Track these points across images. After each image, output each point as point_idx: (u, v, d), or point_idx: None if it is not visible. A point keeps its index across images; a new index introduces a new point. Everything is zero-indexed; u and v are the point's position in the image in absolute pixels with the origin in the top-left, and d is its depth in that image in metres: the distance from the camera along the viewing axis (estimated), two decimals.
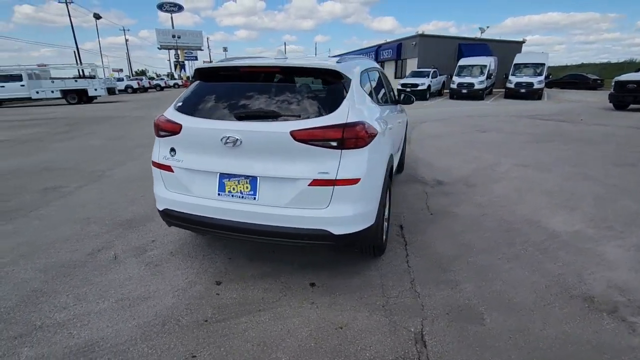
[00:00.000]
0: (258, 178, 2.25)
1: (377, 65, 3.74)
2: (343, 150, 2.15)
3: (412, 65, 27.09)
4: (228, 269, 2.76)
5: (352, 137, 2.15)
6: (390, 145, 3.08)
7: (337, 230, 2.22)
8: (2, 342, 2.00)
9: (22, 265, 2.82)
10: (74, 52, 43.71)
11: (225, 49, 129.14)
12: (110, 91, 23.05)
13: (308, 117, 2.19)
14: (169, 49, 75.47)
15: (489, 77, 20.67)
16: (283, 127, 2.14)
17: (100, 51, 56.83)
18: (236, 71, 2.50)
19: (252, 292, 2.47)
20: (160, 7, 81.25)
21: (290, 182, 2.19)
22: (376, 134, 2.35)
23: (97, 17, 45.05)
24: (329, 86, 2.36)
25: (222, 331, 2.09)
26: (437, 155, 6.52)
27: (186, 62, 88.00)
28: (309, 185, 2.17)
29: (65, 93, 21.17)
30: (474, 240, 3.20)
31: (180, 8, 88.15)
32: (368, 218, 2.34)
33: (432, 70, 21.75)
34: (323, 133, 2.11)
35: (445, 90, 23.68)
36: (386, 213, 2.90)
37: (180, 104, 2.50)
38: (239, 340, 2.02)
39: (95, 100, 22.74)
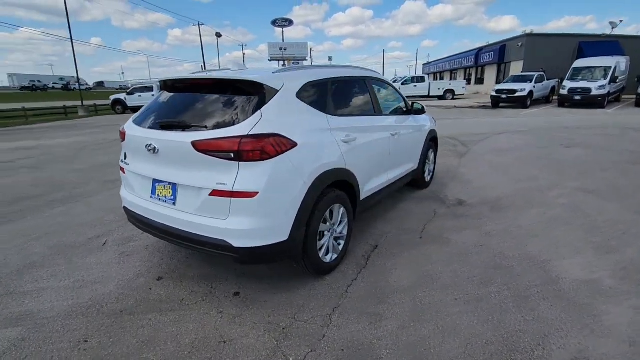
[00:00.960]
0: (177, 185, 2.38)
1: (364, 75, 3.47)
2: (241, 163, 2.13)
3: (516, 68, 24.17)
4: (178, 267, 2.95)
5: (251, 149, 2.11)
6: (357, 158, 2.89)
7: (237, 243, 2.19)
8: None
9: (42, 241, 3.49)
10: (201, 66, 51.28)
11: (330, 59, 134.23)
12: None
13: (215, 128, 2.22)
14: (278, 60, 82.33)
15: (613, 80, 17.10)
16: (187, 137, 2.22)
17: (219, 64, 64.89)
18: (176, 83, 2.68)
19: (179, 292, 2.60)
20: (274, 23, 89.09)
21: (197, 191, 2.26)
22: (290, 147, 2.25)
23: (218, 35, 51.88)
24: (246, 97, 2.35)
25: (125, 323, 2.26)
26: (484, 172, 5.74)
27: None
28: (209, 195, 2.20)
29: None
30: (443, 274, 2.76)
31: (290, 22, 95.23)
32: (275, 233, 2.25)
33: (536, 74, 19.00)
34: (220, 144, 2.12)
35: (554, 97, 20.44)
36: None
37: (136, 114, 2.79)
38: (130, 334, 2.16)
39: None
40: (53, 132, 12.72)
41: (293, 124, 2.38)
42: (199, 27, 52.39)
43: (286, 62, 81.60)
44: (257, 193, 2.13)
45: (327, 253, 2.76)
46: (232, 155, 2.11)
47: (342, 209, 2.84)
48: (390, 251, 3.17)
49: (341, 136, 2.76)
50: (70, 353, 2.01)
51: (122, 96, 24.91)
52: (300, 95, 2.55)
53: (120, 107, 24.89)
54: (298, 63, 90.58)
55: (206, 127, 2.26)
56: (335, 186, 2.71)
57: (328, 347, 2.02)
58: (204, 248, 2.31)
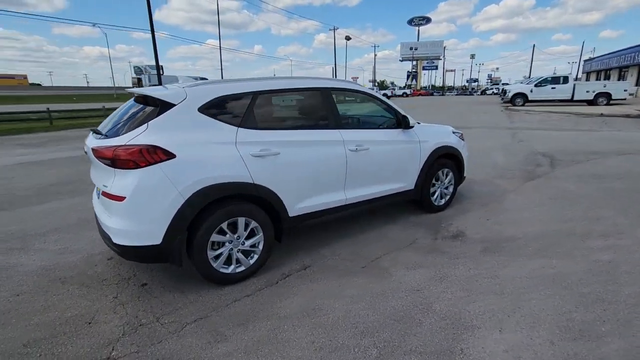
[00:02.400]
0: (95, 186, 2.80)
1: (319, 85, 3.23)
2: (116, 169, 2.38)
3: None
4: None
5: (123, 158, 2.34)
6: (279, 173, 2.84)
7: (115, 239, 2.47)
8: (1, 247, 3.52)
9: (78, 214, 4.51)
10: (332, 68, 54.41)
11: (472, 56, 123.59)
12: None
13: (112, 137, 2.53)
14: (409, 59, 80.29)
15: None
16: (92, 144, 2.59)
17: (345, 66, 67.25)
18: (132, 94, 3.06)
19: (110, 273, 3.04)
20: (410, 22, 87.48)
21: (98, 192, 2.63)
22: (165, 159, 2.39)
23: (347, 39, 53.92)
24: (149, 110, 2.58)
25: (51, 288, 2.81)
26: (537, 203, 4.60)
27: (425, 72, 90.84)
28: (102, 195, 2.54)
29: None
30: (335, 312, 2.46)
31: (427, 20, 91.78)
32: (144, 237, 2.43)
33: None
34: (103, 152, 2.42)
35: None
36: None
37: None
38: (44, 298, 2.68)
39: None
40: None
41: (180, 137, 2.50)
42: (334, 32, 55.45)
43: (417, 61, 79.33)
44: (124, 198, 2.36)
45: (229, 264, 2.79)
46: (109, 162, 2.39)
47: (252, 223, 2.82)
48: (315, 275, 2.97)
49: (252, 150, 2.74)
50: (2, 304, 2.65)
51: None
52: (204, 109, 2.64)
53: None
54: (433, 63, 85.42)
55: (107, 135, 2.59)
56: (238, 199, 2.72)
57: (150, 354, 2.11)
58: (105, 242, 2.67)
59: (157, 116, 2.50)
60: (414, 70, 78.01)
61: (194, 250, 2.58)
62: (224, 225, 2.69)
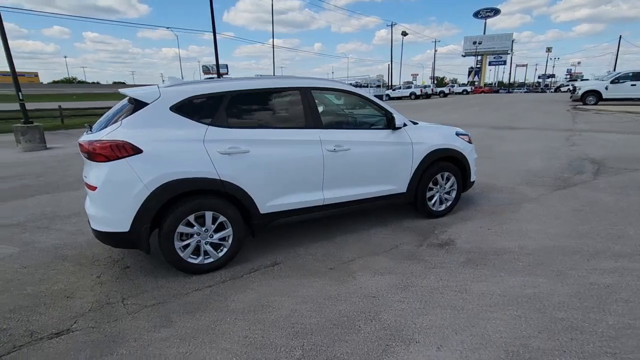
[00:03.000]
0: None
1: (298, 85, 3.28)
2: (92, 162, 2.64)
3: None
4: None
5: (96, 152, 2.59)
6: (248, 170, 2.94)
7: (92, 224, 2.75)
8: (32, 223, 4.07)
9: None
10: (388, 65, 53.46)
11: (548, 50, 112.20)
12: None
13: (97, 133, 2.80)
14: (473, 55, 75.58)
15: None
16: (80, 139, 2.88)
17: (400, 62, 65.34)
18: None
19: (104, 255, 3.38)
20: (476, 14, 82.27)
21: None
22: (133, 154, 2.59)
23: (404, 34, 52.33)
24: (127, 108, 2.81)
25: (50, 264, 3.20)
26: (556, 214, 4.14)
27: (491, 68, 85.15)
28: (85, 184, 2.83)
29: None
30: (279, 310, 2.48)
31: (496, 12, 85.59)
32: (114, 224, 2.66)
33: None
34: (83, 146, 2.69)
35: None
36: None
37: None
38: (40, 273, 3.07)
39: None
40: None
41: (149, 134, 2.69)
42: (392, 28, 54.25)
43: (482, 56, 74.35)
44: (96, 188, 2.62)
45: (197, 255, 2.95)
46: (87, 155, 2.66)
47: (221, 217, 2.94)
48: (280, 272, 3.02)
49: (220, 148, 2.85)
50: (10, 273, 3.09)
51: None
52: (176, 107, 2.81)
53: None
54: (501, 57, 79.74)
55: (93, 131, 2.88)
56: (205, 194, 2.86)
57: (102, 330, 2.33)
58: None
59: (131, 114, 2.72)
60: (477, 66, 73.27)
61: (161, 240, 2.78)
62: (191, 218, 2.84)
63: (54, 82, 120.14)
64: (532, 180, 5.54)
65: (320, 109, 3.58)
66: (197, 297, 2.67)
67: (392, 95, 39.88)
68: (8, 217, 4.45)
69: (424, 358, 2.00)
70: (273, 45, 39.51)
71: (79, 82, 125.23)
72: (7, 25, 9.21)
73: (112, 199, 2.65)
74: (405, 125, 3.73)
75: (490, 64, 77.12)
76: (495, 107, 22.54)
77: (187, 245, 2.89)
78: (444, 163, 4.00)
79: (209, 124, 2.88)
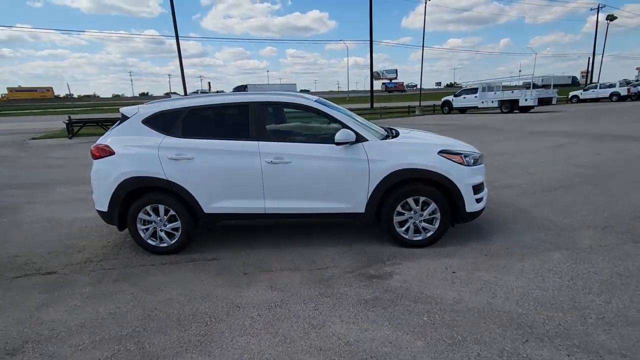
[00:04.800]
0: None
1: (246, 100, 3.55)
2: (92, 159, 3.71)
3: None
4: None
5: (91, 152, 3.63)
6: (192, 174, 3.46)
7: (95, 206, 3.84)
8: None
9: None
10: (589, 59, 42.94)
11: None
12: (544, 101, 22.31)
13: None
14: None
15: None
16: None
17: (602, 54, 50.97)
18: None
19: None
20: None
21: None
22: (109, 154, 3.51)
23: (610, 18, 40.62)
24: (120, 121, 3.75)
25: (84, 232, 4.55)
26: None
27: None
28: None
29: (502, 103, 23.50)
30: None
31: None
32: (100, 205, 3.63)
33: None
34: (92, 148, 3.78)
35: None
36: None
37: None
38: (76, 231, 4.43)
39: (531, 110, 23.06)
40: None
41: (123, 140, 3.57)
42: (597, 11, 43.70)
43: None
44: (91, 178, 3.67)
45: (155, 239, 3.66)
46: (91, 154, 3.74)
47: (171, 211, 3.57)
48: (204, 267, 3.41)
49: (169, 154, 3.47)
50: (57, 236, 4.58)
51: (450, 98, 27.09)
52: (146, 120, 3.60)
53: (447, 108, 27.26)
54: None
55: None
56: (157, 190, 3.55)
57: (70, 277, 3.32)
58: None
59: (118, 125, 3.67)
60: None
61: (128, 221, 3.63)
62: (148, 208, 3.58)
63: None
64: (601, 223, 3.91)
65: (283, 122, 3.75)
66: (134, 271, 3.38)
67: (582, 97, 32.18)
68: None
69: None
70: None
71: None
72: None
73: (97, 186, 3.65)
74: (361, 140, 3.43)
75: None
76: None
77: (147, 230, 3.65)
78: (419, 185, 3.44)
79: (166, 134, 3.55)
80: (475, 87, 25.70)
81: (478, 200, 3.55)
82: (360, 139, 3.44)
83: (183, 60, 24.09)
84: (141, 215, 3.59)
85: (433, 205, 3.46)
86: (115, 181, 3.52)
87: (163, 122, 3.61)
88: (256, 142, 3.48)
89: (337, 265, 3.33)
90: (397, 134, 3.94)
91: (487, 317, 2.44)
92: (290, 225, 4.31)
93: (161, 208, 3.57)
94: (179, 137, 3.55)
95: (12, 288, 3.14)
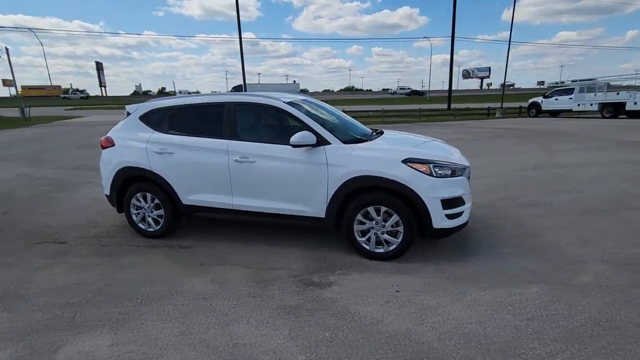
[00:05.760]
0: None
1: (223, 100, 3.75)
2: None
3: None
4: None
5: (100, 143, 4.18)
6: (172, 167, 3.78)
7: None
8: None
9: None
10: None
11: None
12: None
13: None
14: None
15: None
16: None
17: None
18: None
19: None
20: None
21: None
22: (111, 145, 4.01)
23: None
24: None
25: (94, 205, 5.22)
26: None
27: None
28: None
29: (603, 106, 20.01)
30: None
31: None
32: (105, 189, 4.17)
33: None
34: None
35: None
36: None
37: None
38: (87, 206, 5.12)
39: None
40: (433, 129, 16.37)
41: (123, 134, 4.04)
42: None
43: None
44: (100, 165, 4.23)
45: (145, 223, 4.09)
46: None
47: (156, 200, 3.95)
48: (169, 253, 3.69)
49: (155, 148, 3.83)
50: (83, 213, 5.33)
51: (539, 99, 24.05)
52: (143, 117, 4.01)
53: (534, 111, 24.27)
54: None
55: None
56: (144, 180, 3.94)
57: (66, 247, 3.91)
58: None
59: (122, 120, 4.16)
60: None
61: (124, 205, 4.11)
62: (139, 195, 4.01)
63: (340, 90, 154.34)
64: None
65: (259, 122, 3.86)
66: (120, 249, 3.82)
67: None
68: None
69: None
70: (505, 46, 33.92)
71: (356, 89, 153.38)
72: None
73: (103, 172, 4.19)
74: (323, 143, 3.33)
75: None
76: None
77: (138, 214, 4.09)
78: (381, 195, 3.22)
79: (155, 130, 3.92)
80: (572, 87, 22.34)
81: (450, 217, 3.19)
82: (322, 142, 3.35)
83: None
84: (134, 201, 4.04)
85: (395, 217, 3.22)
86: (114, 169, 4.02)
87: (154, 119, 3.99)
88: (227, 141, 3.63)
89: (287, 267, 3.31)
90: (377, 137, 3.77)
91: (392, 344, 2.22)
92: (277, 225, 4.37)
93: (149, 196, 3.97)
94: (165, 133, 3.88)
95: (29, 251, 3.82)
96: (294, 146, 3.30)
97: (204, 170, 3.72)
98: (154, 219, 4.04)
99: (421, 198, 3.12)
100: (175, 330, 2.42)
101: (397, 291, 2.84)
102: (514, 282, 2.92)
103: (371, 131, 4.18)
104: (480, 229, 4.05)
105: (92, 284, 3.10)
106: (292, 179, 3.46)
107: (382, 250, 3.35)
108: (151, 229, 4.07)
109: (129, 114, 4.16)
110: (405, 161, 3.18)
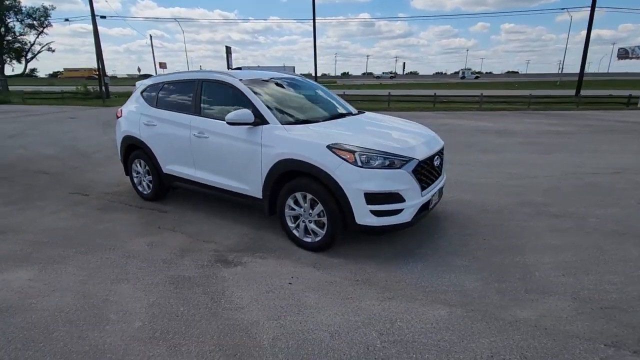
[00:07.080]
0: None
1: (196, 77, 3.90)
2: None
3: None
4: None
5: (116, 114, 4.85)
6: (154, 138, 4.19)
7: None
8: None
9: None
10: None
11: None
12: None
13: None
14: None
15: None
16: None
17: None
18: None
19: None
20: None
21: None
22: (121, 116, 4.63)
23: None
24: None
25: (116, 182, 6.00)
26: None
27: None
28: None
29: None
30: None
31: None
32: (119, 155, 4.87)
33: None
34: None
35: None
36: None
37: None
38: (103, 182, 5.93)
39: None
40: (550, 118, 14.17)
41: (129, 107, 4.60)
42: None
43: None
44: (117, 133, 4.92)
45: (142, 187, 4.65)
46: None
47: (146, 167, 4.44)
48: (144, 214, 4.13)
49: (144, 120, 4.28)
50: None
51: None
52: (142, 92, 4.50)
53: None
54: None
55: None
56: (139, 149, 4.45)
57: (66, 222, 4.73)
58: None
59: (131, 95, 4.73)
60: None
61: (128, 169, 4.74)
62: (136, 161, 4.57)
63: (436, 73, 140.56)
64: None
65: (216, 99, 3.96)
66: (116, 206, 4.45)
67: None
68: None
69: None
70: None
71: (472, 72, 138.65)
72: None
73: (116, 139, 4.87)
74: (263, 122, 3.22)
75: None
76: None
77: (137, 178, 4.67)
78: (306, 180, 3.01)
79: (147, 104, 4.36)
80: None
81: (378, 213, 2.80)
82: (262, 121, 3.26)
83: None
84: (133, 166, 4.62)
85: (320, 206, 2.97)
86: (120, 136, 4.65)
87: (148, 94, 4.43)
88: (191, 116, 3.83)
89: (219, 242, 3.40)
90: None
91: (226, 332, 2.13)
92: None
93: (142, 163, 4.48)
94: (154, 107, 4.29)
95: (60, 199, 4.74)
96: (230, 123, 3.29)
97: (174, 143, 4.01)
98: (147, 184, 4.57)
99: (342, 188, 2.80)
100: (78, 279, 2.77)
101: (290, 283, 2.67)
102: (426, 300, 2.44)
103: (350, 112, 3.91)
104: (453, 234, 3.43)
105: (69, 230, 3.71)
106: (234, 157, 3.48)
107: (309, 240, 3.16)
108: (145, 192, 4.61)
109: (136, 89, 4.70)
110: (330, 147, 2.88)
